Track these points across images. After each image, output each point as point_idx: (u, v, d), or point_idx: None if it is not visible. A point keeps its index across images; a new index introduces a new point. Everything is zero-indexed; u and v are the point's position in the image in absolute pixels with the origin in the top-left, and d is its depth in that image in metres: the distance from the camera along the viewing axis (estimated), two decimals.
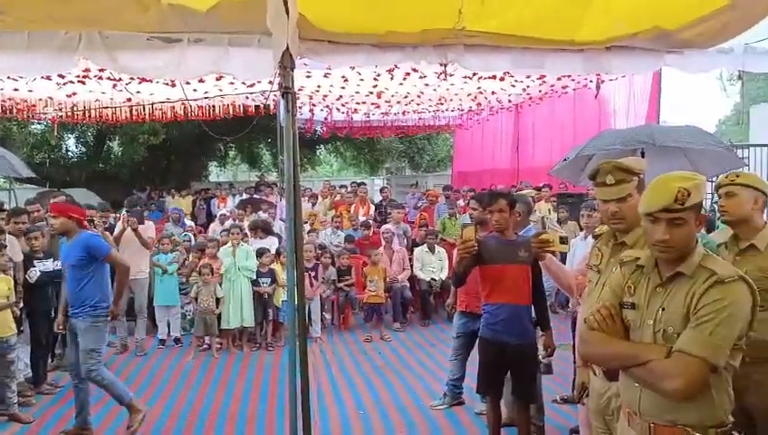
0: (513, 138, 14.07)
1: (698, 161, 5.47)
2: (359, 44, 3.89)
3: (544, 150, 12.78)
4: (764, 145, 9.15)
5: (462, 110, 12.67)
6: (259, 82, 6.81)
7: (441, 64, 4.05)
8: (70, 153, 19.34)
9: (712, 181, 5.44)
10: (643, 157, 5.31)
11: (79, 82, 6.79)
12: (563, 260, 5.26)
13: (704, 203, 3.92)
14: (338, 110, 11.14)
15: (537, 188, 10.24)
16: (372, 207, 11.46)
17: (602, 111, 11.23)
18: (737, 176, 3.09)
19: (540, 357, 4.20)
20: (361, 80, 8.03)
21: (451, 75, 7.24)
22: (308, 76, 7.50)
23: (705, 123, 28.92)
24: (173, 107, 9.53)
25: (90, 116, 9.42)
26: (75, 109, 9.03)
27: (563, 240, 3.40)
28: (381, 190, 13.36)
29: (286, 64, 3.31)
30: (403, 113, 12.22)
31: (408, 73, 7.25)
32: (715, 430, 2.06)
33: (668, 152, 5.48)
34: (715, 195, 3.34)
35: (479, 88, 9.59)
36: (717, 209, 3.28)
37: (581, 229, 5.86)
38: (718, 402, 2.08)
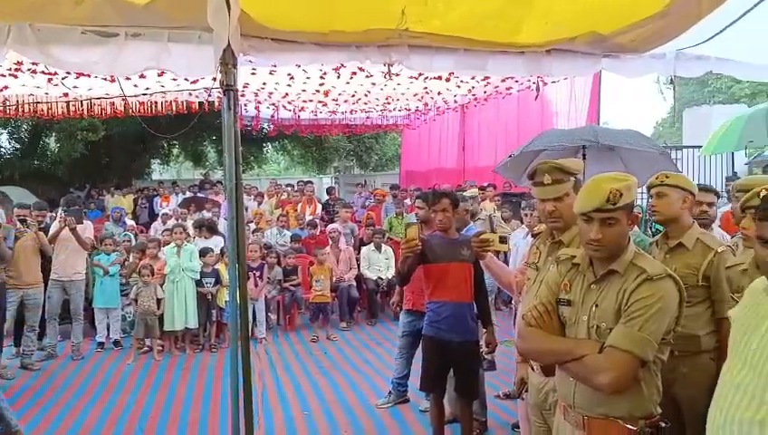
0: (459, 138, 14.26)
1: (633, 164, 5.66)
2: (302, 43, 3.85)
3: (489, 151, 13.00)
4: (696, 146, 9.56)
5: (409, 109, 12.76)
6: (202, 78, 6.68)
7: (385, 64, 4.06)
8: (2, 149, 18.52)
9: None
10: (584, 158, 5.47)
11: (10, 75, 6.50)
12: (506, 260, 5.38)
13: (638, 203, 4.07)
14: (284, 107, 11.05)
15: (481, 187, 10.40)
16: (319, 206, 11.42)
17: (545, 112, 11.49)
18: (667, 177, 3.21)
19: (482, 354, 4.27)
20: (308, 78, 7.97)
21: (397, 75, 7.30)
22: (253, 73, 7.40)
23: (644, 125, 30.03)
24: (113, 103, 9.25)
25: (23, 111, 9.03)
26: (7, 103, 8.65)
27: (503, 239, 3.47)
28: (328, 190, 13.32)
29: (228, 61, 3.25)
30: (351, 112, 12.23)
31: (354, 73, 7.24)
32: (644, 421, 2.14)
33: (606, 155, 5.65)
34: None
35: (425, 88, 9.67)
36: (648, 209, 3.40)
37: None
38: (647, 394, 2.16)
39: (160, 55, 3.63)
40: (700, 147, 9.92)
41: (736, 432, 1.88)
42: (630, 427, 2.13)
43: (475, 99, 11.07)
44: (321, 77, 7.86)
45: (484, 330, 4.19)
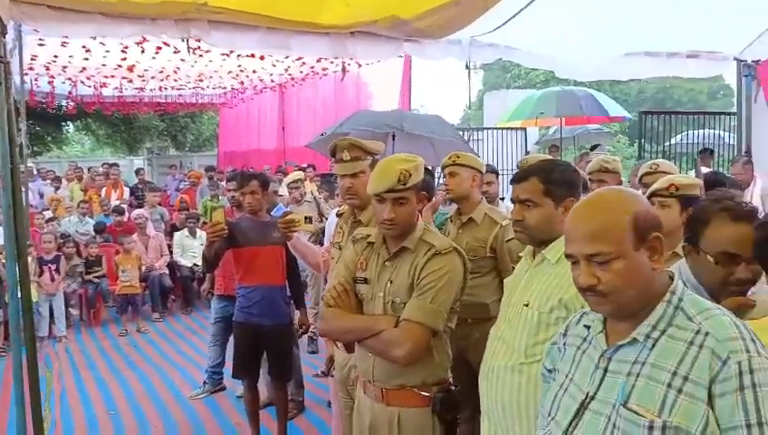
0: (278, 118, 14.07)
1: (441, 148, 5.98)
2: (87, 12, 3.52)
3: (309, 131, 12.97)
4: (495, 128, 10.47)
5: (225, 88, 12.33)
6: None
7: (184, 40, 3.84)
8: None
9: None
10: (394, 139, 5.65)
11: None
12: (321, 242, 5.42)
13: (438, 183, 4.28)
14: (83, 83, 10.09)
15: (302, 168, 10.40)
16: (127, 191, 10.65)
17: (361, 93, 11.76)
18: (458, 157, 3.41)
19: (296, 335, 4.29)
20: (107, 51, 7.35)
21: (208, 51, 6.99)
22: (41, 44, 6.65)
23: (456, 108, 31.96)
24: None
25: None
26: None
27: (309, 220, 3.47)
28: (137, 172, 12.46)
29: None
30: (160, 89, 11.52)
31: (159, 47, 6.80)
32: (436, 387, 2.27)
33: (416, 137, 5.90)
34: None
35: (240, 66, 9.39)
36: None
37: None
38: (439, 362, 2.30)
39: None
40: (499, 128, 10.84)
41: (496, 378, 2.08)
42: (425, 393, 2.24)
43: (293, 79, 10.99)
44: (123, 51, 7.29)
45: (298, 311, 4.20)
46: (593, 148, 7.50)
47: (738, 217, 1.82)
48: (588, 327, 1.45)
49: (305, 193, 6.45)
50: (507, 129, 10.92)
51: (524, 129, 10.95)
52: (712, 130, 8.97)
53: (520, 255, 2.29)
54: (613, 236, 1.30)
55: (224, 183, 10.58)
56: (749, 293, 1.84)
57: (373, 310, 2.32)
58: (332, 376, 3.28)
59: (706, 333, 1.24)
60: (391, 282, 2.28)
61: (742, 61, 6.38)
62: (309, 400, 4.89)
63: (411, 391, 2.25)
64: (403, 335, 2.16)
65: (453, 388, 2.35)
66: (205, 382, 5.22)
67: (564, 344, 1.52)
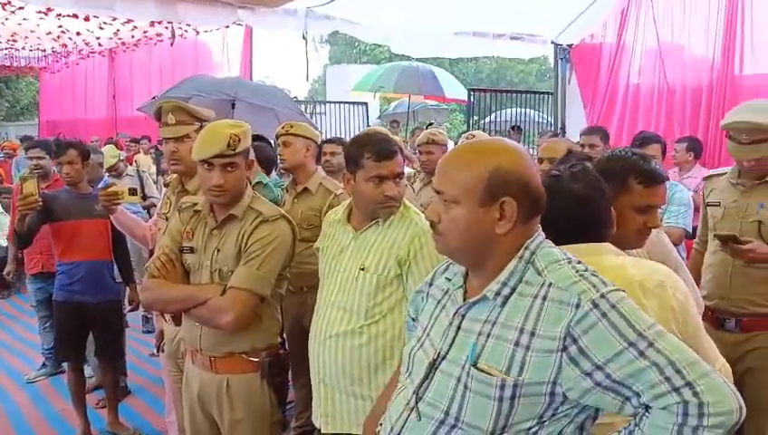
0: (109, 85, 13.06)
1: (285, 120, 5.91)
2: None
3: (144, 100, 12.21)
4: (337, 102, 10.61)
5: (44, 50, 11.20)
6: None
7: None
8: None
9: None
10: (234, 109, 5.49)
11: None
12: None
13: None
14: None
15: (135, 139, 9.79)
16: None
17: (201, 62, 11.24)
18: (291, 126, 3.43)
19: (125, 312, 4.09)
20: None
21: (21, 8, 6.31)
22: None
23: (302, 81, 31.60)
24: None
25: None
26: None
27: (133, 191, 3.30)
28: None
29: None
30: None
31: None
32: (265, 352, 2.29)
33: (260, 109, 5.78)
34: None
35: (60, 27, 8.58)
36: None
37: None
38: (267, 327, 2.32)
39: None
40: (341, 102, 10.97)
41: (335, 344, 2.16)
42: (253, 359, 2.26)
43: (124, 44, 10.25)
44: None
45: (127, 287, 4.01)
46: (428, 125, 7.89)
47: None
48: (449, 280, 1.43)
49: (125, 168, 6.17)
50: (350, 103, 11.08)
51: (366, 103, 11.17)
52: (531, 110, 9.79)
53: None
54: (462, 182, 1.27)
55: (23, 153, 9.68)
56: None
57: (200, 280, 2.28)
58: (163, 351, 3.19)
59: (550, 284, 1.22)
60: (219, 251, 2.25)
61: (558, 44, 6.99)
62: (144, 379, 4.71)
63: (240, 357, 2.25)
64: (229, 302, 2.15)
65: (282, 352, 2.39)
66: (44, 364, 4.84)
67: (428, 294, 1.50)
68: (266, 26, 4.64)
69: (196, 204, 2.38)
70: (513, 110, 9.40)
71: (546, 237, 1.35)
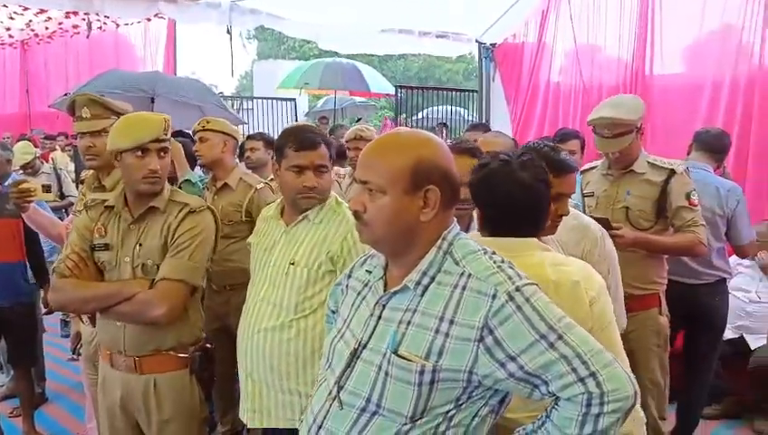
0: (21, 79, 12.39)
1: (210, 112, 5.78)
2: None
3: (60, 95, 11.66)
4: (264, 98, 10.49)
5: None
6: None
7: None
8: None
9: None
10: (153, 103, 5.32)
11: None
12: None
13: None
14: None
15: (51, 136, 9.36)
16: None
17: (122, 56, 10.86)
18: (208, 122, 3.39)
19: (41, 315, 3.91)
20: None
21: None
22: None
23: (230, 77, 30.98)
24: None
25: None
26: None
27: (47, 188, 3.15)
28: None
29: None
30: None
31: None
32: (192, 346, 2.26)
33: (184, 105, 5.63)
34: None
35: None
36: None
37: None
38: (194, 321, 2.29)
39: None
40: (269, 98, 10.85)
41: (263, 338, 2.15)
42: (182, 355, 2.23)
43: (37, 35, 9.77)
44: None
45: (42, 289, 3.83)
46: (357, 121, 7.97)
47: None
48: (369, 272, 1.45)
49: (41, 165, 5.91)
50: (277, 99, 10.98)
51: (294, 99, 11.09)
52: (459, 108, 10.00)
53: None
54: (387, 172, 1.30)
55: None
56: None
57: (120, 276, 2.22)
58: (80, 354, 3.08)
59: (469, 275, 1.27)
60: (140, 245, 2.20)
61: (482, 43, 7.15)
62: (63, 385, 4.53)
63: (167, 354, 2.21)
64: (161, 294, 2.12)
65: (209, 345, 2.36)
66: None
67: (347, 287, 1.52)
68: (188, 19, 4.53)
69: (105, 200, 2.32)
70: (443, 107, 9.57)
71: (486, 221, 1.43)
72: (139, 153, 2.16)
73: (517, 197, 1.60)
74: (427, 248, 1.33)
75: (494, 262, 1.30)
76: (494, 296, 1.23)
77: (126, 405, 2.26)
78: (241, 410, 2.29)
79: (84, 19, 7.94)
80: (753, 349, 3.82)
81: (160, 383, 2.21)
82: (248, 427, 2.27)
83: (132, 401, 2.24)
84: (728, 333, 3.67)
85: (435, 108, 9.56)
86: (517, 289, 1.24)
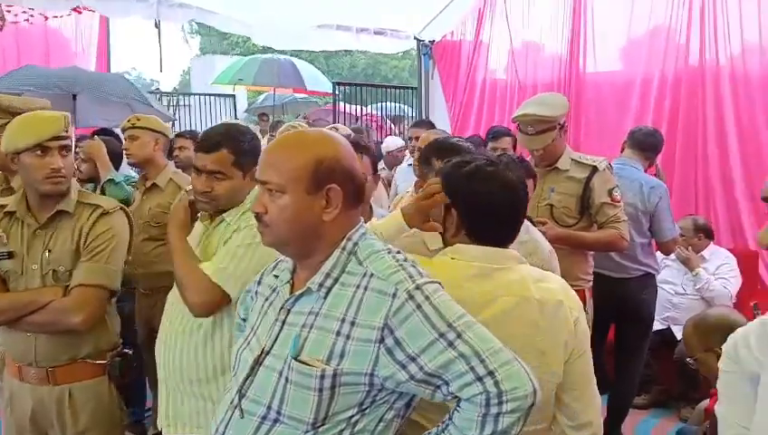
0: None
1: (138, 108, 5.57)
2: None
3: None
4: (202, 94, 10.28)
5: None
6: None
7: None
8: None
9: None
10: (75, 100, 5.08)
11: None
12: None
13: None
14: None
15: None
16: None
17: (54, 51, 10.38)
18: (138, 119, 3.26)
19: None
20: None
21: None
22: None
23: (174, 73, 30.28)
24: None
25: None
26: None
27: None
28: None
29: None
30: None
31: None
32: (110, 353, 2.20)
33: (110, 102, 5.39)
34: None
35: None
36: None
37: None
38: (110, 327, 2.22)
39: None
40: (207, 94, 10.63)
41: (174, 343, 2.08)
42: (99, 362, 2.16)
43: None
44: None
45: None
46: (296, 117, 7.86)
47: None
48: (277, 277, 1.42)
49: None
50: (216, 95, 10.78)
51: (233, 95, 10.91)
52: (404, 105, 10.00)
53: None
54: (287, 171, 1.27)
55: None
56: None
57: (27, 285, 2.11)
58: None
59: (371, 275, 1.25)
60: (50, 251, 2.10)
61: (420, 40, 7.15)
62: None
63: (84, 362, 2.14)
64: (78, 301, 2.04)
65: (128, 351, 2.29)
66: None
67: (256, 293, 1.49)
68: (113, 12, 4.37)
69: (6, 205, 2.19)
70: (388, 104, 9.53)
71: (483, 222, 1.45)
72: (39, 152, 2.05)
73: (513, 197, 1.53)
74: (332, 249, 1.30)
75: (397, 260, 1.28)
76: (394, 295, 1.21)
77: (37, 419, 2.16)
78: (158, 416, 2.21)
79: (10, 11, 7.57)
80: (679, 339, 3.94)
81: (76, 393, 2.13)
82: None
83: (45, 415, 2.15)
84: (656, 325, 3.79)
85: (381, 104, 9.51)
86: (417, 287, 1.22)
